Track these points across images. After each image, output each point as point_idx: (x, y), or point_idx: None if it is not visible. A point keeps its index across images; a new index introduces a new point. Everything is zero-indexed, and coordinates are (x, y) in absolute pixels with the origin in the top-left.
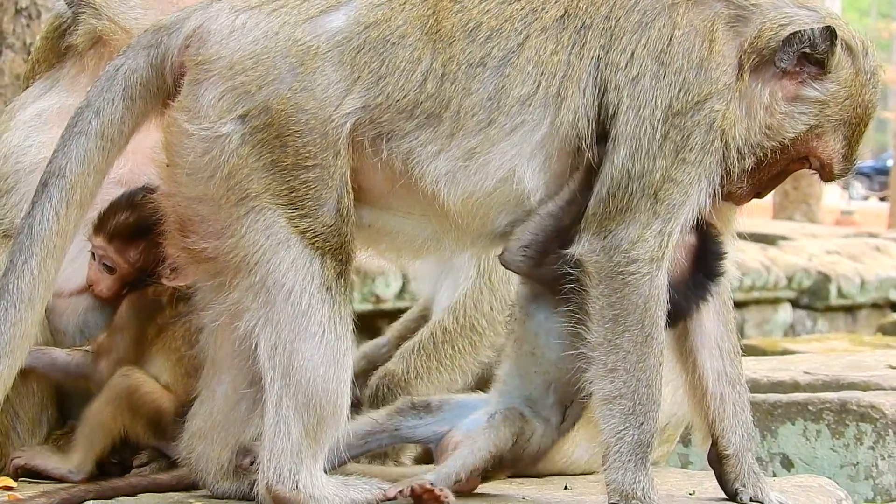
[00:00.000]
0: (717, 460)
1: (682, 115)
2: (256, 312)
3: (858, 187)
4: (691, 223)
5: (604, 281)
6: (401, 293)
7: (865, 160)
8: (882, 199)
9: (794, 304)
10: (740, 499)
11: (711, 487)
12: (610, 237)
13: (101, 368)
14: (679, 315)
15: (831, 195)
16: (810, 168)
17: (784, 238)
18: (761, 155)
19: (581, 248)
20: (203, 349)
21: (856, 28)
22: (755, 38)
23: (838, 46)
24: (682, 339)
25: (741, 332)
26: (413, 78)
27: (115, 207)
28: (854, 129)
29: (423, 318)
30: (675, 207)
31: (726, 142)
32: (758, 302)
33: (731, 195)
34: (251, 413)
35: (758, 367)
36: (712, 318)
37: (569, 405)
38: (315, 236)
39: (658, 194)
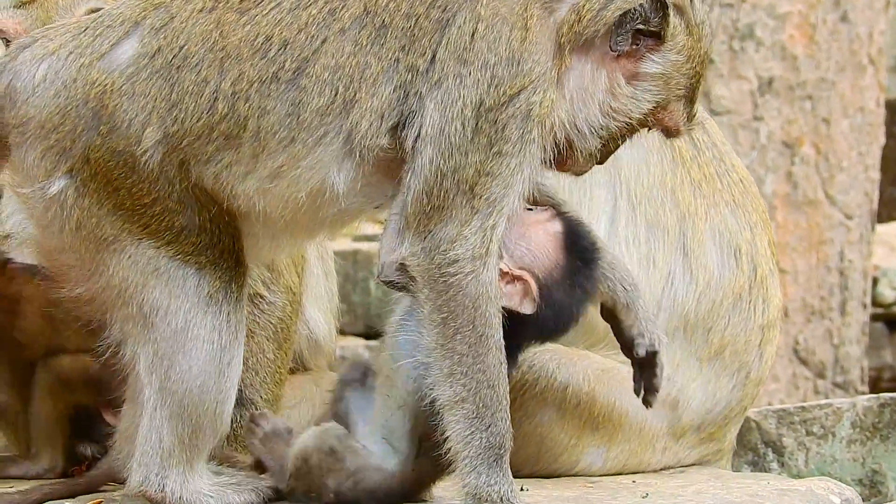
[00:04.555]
0: (610, 315)
1: (495, 110)
2: (137, 337)
3: None
4: (519, 210)
5: (428, 284)
6: None
7: None
8: None
9: None
10: (636, 352)
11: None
12: (429, 238)
13: None
14: (572, 316)
15: None
16: (650, 130)
17: None
18: (607, 135)
19: (403, 251)
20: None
21: None
22: (575, 21)
23: (671, 14)
24: None
25: None
26: (202, 100)
27: None
28: (695, 88)
29: None
30: (496, 201)
31: (549, 127)
32: None
33: (571, 169)
34: None
35: None
36: None
37: (424, 438)
38: (186, 255)
39: (475, 189)
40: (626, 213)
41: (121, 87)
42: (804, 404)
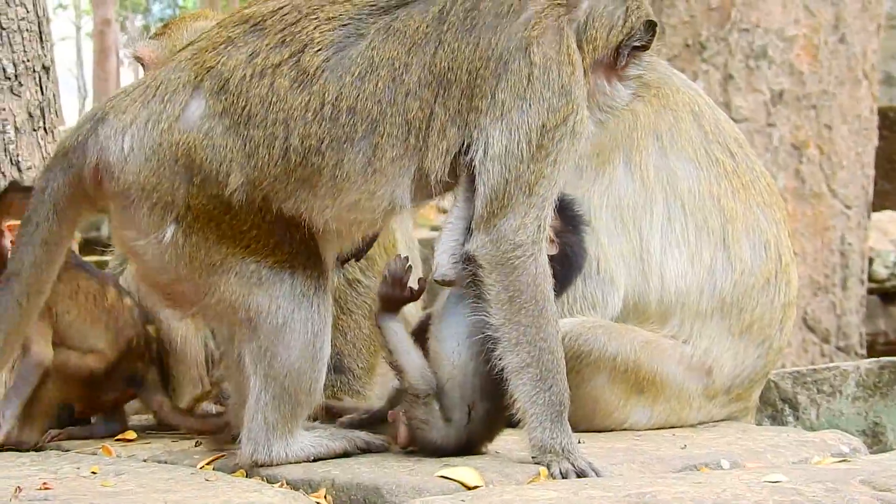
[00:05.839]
0: None
1: (553, 130)
2: (241, 336)
3: None
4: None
5: (496, 269)
6: None
7: None
8: None
9: None
10: None
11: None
12: (495, 230)
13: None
14: (581, 254)
15: None
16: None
17: None
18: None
19: (473, 244)
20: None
21: None
22: (592, 48)
23: (657, 31)
24: None
25: None
26: (275, 153)
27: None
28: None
29: None
30: (547, 196)
31: (584, 136)
32: None
33: None
34: None
35: None
36: None
37: (472, 406)
38: (282, 263)
39: (532, 189)
40: (680, 221)
41: (202, 142)
42: (815, 367)
